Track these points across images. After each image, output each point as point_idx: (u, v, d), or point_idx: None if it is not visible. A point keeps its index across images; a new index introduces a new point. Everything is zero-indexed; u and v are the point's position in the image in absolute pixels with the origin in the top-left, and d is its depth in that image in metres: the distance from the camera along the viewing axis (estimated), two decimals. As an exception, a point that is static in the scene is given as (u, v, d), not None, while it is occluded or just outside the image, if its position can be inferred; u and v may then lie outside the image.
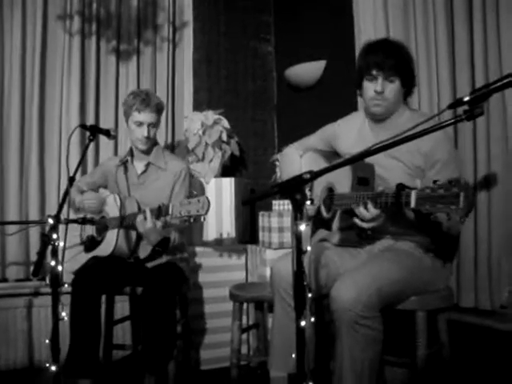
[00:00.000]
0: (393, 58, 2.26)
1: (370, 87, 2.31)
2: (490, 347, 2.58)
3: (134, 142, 3.05)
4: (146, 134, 2.99)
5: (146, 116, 2.98)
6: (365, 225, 2.07)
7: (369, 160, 2.13)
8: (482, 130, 2.69)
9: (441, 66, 2.89)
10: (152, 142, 3.08)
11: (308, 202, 1.66)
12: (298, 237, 1.63)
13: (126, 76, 4.03)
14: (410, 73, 2.33)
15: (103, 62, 3.99)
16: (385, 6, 3.22)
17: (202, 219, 2.43)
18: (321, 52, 3.98)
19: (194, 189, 3.38)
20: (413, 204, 1.68)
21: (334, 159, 2.56)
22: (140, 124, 3.00)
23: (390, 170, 2.30)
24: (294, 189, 1.65)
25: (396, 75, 2.27)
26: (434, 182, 1.61)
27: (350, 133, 2.53)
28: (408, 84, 2.34)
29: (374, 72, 2.27)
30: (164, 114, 4.01)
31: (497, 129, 2.65)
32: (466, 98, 1.49)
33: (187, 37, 4.31)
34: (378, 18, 3.25)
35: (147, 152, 3.09)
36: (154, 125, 3.03)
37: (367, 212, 2.02)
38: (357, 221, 2.08)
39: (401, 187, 1.81)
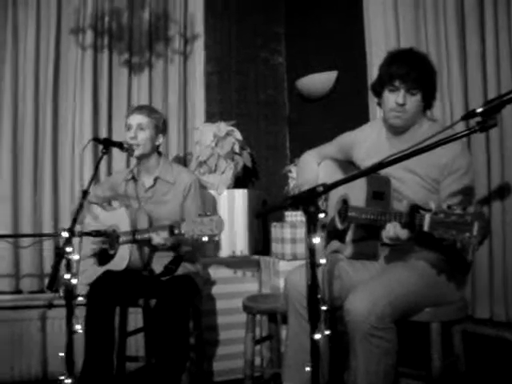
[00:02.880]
0: (417, 71, 2.23)
1: (390, 98, 2.30)
2: (505, 359, 2.56)
3: (130, 151, 3.02)
4: (132, 135, 3.00)
5: (133, 118, 3.04)
6: (389, 241, 2.05)
7: (385, 173, 2.12)
8: (496, 139, 2.68)
9: (453, 78, 2.89)
10: (145, 149, 3.04)
11: (322, 215, 1.65)
12: (311, 250, 1.63)
13: (137, 88, 4.07)
14: (432, 86, 2.32)
15: (115, 74, 4.03)
16: (395, 16, 3.22)
17: (215, 239, 2.43)
18: (332, 62, 3.98)
19: (205, 202, 3.39)
20: (426, 228, 1.67)
21: (350, 169, 2.55)
22: (129, 127, 3.04)
23: (406, 183, 2.29)
24: (308, 201, 1.65)
25: (418, 88, 2.25)
26: (449, 207, 1.60)
27: (367, 142, 2.52)
28: (429, 97, 2.32)
29: (397, 83, 2.25)
30: (176, 125, 4.07)
31: (510, 140, 2.63)
32: (479, 110, 1.49)
33: (198, 49, 4.34)
34: (388, 29, 3.26)
35: (150, 163, 3.09)
36: (144, 128, 3.02)
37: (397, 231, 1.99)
38: (383, 235, 2.05)
39: (415, 209, 1.79)
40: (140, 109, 3.10)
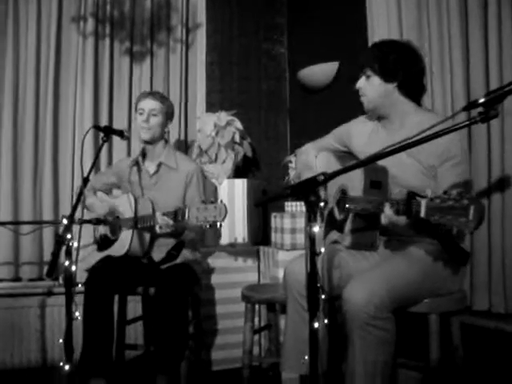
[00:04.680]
0: (367, 54, 2.37)
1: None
2: (503, 351, 2.56)
3: (139, 134, 3.07)
4: (144, 118, 3.02)
5: (146, 103, 3.05)
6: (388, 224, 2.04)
7: (384, 160, 2.12)
8: (496, 131, 2.67)
9: (455, 68, 2.87)
10: (155, 134, 3.06)
11: (322, 204, 1.66)
12: (311, 238, 1.64)
13: (139, 77, 4.06)
14: (394, 68, 2.29)
15: (117, 63, 4.02)
16: (398, 6, 3.20)
17: (219, 225, 2.43)
18: (334, 53, 3.97)
19: (207, 190, 3.39)
20: (423, 214, 1.67)
21: (346, 160, 2.55)
22: (142, 111, 3.05)
23: (406, 168, 2.28)
24: (308, 191, 1.65)
25: (371, 71, 2.33)
26: (445, 192, 1.60)
27: (364, 132, 2.53)
28: (393, 79, 2.30)
29: (360, 72, 2.38)
30: (177, 114, 4.05)
31: (511, 131, 2.63)
32: (481, 100, 1.49)
33: (200, 38, 4.33)
34: (391, 18, 3.24)
35: (156, 149, 3.10)
36: (156, 113, 3.05)
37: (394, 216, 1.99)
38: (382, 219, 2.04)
39: (411, 196, 1.80)
40: (153, 94, 3.12)
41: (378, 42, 2.44)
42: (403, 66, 2.30)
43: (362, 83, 2.38)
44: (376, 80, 2.32)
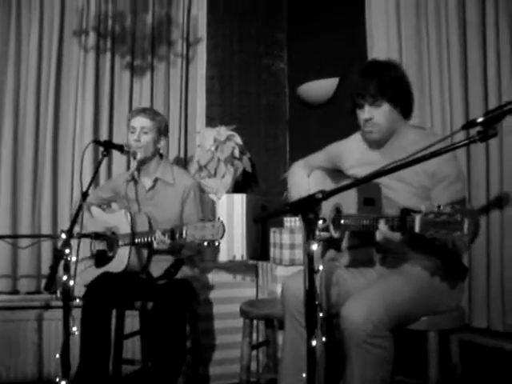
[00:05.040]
0: (373, 83, 2.23)
1: (360, 115, 2.32)
2: (501, 369, 2.55)
3: (133, 154, 3.03)
4: (135, 137, 3.00)
5: (137, 120, 3.04)
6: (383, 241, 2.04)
7: (375, 181, 2.13)
8: (495, 150, 2.68)
9: (453, 86, 2.89)
10: (146, 152, 3.04)
11: (320, 222, 1.66)
12: (309, 256, 1.63)
13: (139, 91, 4.07)
14: (398, 92, 2.28)
15: (117, 77, 4.03)
16: (398, 23, 3.22)
17: (217, 244, 2.43)
18: (334, 69, 3.98)
19: (205, 205, 3.39)
20: (417, 229, 1.67)
21: (339, 178, 2.54)
22: (133, 130, 3.04)
23: (396, 191, 2.28)
24: (307, 208, 1.65)
25: (381, 98, 2.24)
26: (438, 206, 1.60)
27: (353, 153, 2.52)
28: (400, 103, 2.29)
29: (359, 100, 2.27)
30: (177, 129, 4.08)
31: (510, 149, 2.64)
32: (480, 119, 1.50)
33: (201, 53, 4.35)
34: (390, 35, 3.26)
35: (150, 166, 3.09)
36: (147, 131, 3.03)
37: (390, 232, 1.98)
38: (377, 237, 2.04)
39: (405, 212, 1.80)
40: (144, 111, 3.10)
41: (371, 64, 2.36)
42: (403, 87, 2.31)
43: (371, 113, 2.27)
44: (386, 107, 2.26)
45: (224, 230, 2.39)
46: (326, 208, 2.51)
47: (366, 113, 2.26)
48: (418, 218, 1.67)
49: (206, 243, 2.43)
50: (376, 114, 2.27)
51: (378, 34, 3.38)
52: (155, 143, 3.08)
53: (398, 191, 2.28)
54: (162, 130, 3.12)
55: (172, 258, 2.99)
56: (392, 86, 2.26)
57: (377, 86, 2.23)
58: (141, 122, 3.04)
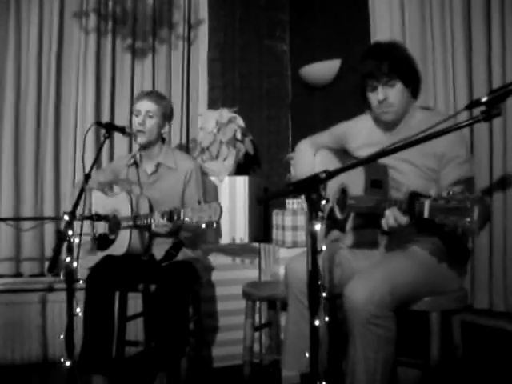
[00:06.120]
0: (386, 62, 2.21)
1: (372, 97, 2.29)
2: (503, 349, 2.57)
3: (135, 136, 3.03)
4: (140, 121, 2.98)
5: (142, 104, 3.02)
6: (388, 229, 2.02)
7: (382, 163, 2.12)
8: (498, 130, 2.67)
9: (457, 66, 2.87)
10: (150, 137, 3.03)
11: (323, 202, 1.65)
12: (313, 236, 1.63)
13: (141, 74, 4.06)
14: (409, 71, 2.28)
15: (119, 59, 4.02)
16: (401, 3, 3.20)
17: (214, 225, 2.43)
18: (336, 51, 3.96)
19: (207, 188, 3.38)
20: (426, 214, 1.66)
21: (346, 158, 2.53)
22: (138, 113, 3.02)
23: (404, 174, 2.27)
24: (310, 188, 1.65)
25: (395, 78, 2.23)
26: (449, 193, 1.59)
27: (360, 134, 2.51)
28: (411, 82, 2.29)
29: (372, 82, 2.25)
30: (179, 111, 4.05)
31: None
32: (484, 99, 1.49)
33: (202, 35, 4.33)
34: (393, 16, 3.23)
35: (152, 152, 3.08)
36: (152, 115, 3.01)
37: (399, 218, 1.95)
38: (383, 222, 2.02)
39: (414, 195, 1.78)
40: (149, 95, 3.07)
41: (380, 45, 2.34)
42: (412, 66, 2.30)
43: (386, 93, 2.24)
44: (400, 86, 2.24)
45: (221, 211, 2.39)
46: (332, 188, 2.50)
47: (380, 93, 2.24)
48: (427, 204, 1.65)
49: (203, 225, 2.43)
50: (390, 94, 2.25)
51: (381, 17, 3.34)
52: (159, 128, 3.06)
53: (405, 173, 2.27)
54: (167, 115, 3.11)
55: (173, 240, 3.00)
56: (404, 64, 2.26)
57: (391, 64, 2.21)
58: (146, 105, 3.02)
